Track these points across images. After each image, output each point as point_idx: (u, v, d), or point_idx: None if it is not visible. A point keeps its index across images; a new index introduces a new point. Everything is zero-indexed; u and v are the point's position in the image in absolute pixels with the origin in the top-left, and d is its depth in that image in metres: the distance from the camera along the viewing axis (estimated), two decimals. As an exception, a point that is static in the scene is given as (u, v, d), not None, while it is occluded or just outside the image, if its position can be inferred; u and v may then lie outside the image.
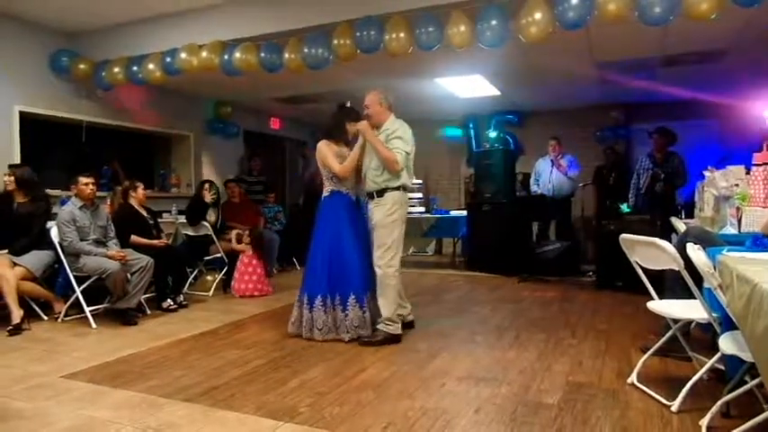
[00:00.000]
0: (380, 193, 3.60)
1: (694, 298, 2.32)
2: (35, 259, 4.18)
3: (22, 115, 5.15)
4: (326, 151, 3.72)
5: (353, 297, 3.60)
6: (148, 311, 4.48)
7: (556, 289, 5.58)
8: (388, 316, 3.55)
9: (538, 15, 3.80)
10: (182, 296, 4.83)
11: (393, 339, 3.54)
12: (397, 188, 3.59)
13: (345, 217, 3.70)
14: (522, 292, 5.43)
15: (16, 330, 3.85)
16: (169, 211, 6.22)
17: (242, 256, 5.45)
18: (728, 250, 2.32)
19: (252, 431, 2.25)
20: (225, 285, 5.59)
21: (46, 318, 4.26)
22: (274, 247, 6.26)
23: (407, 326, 3.84)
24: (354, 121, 3.74)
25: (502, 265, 6.38)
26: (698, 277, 2.25)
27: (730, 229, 3.13)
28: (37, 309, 4.24)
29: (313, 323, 3.61)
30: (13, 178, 4.33)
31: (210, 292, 5.40)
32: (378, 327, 3.57)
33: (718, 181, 3.33)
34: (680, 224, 3.95)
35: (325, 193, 3.80)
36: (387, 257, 3.56)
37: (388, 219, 3.56)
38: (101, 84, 5.40)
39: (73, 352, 3.45)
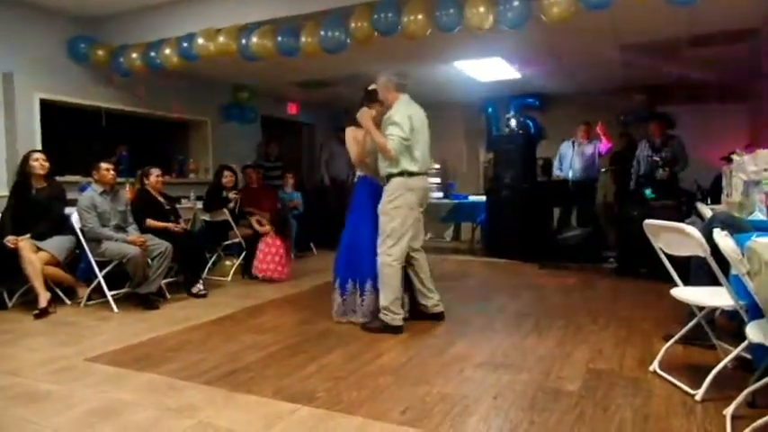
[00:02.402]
0: (388, 179, 3.54)
1: (720, 285, 2.26)
2: (57, 244, 4.24)
3: (43, 102, 5.20)
4: (348, 138, 3.79)
5: (371, 282, 3.60)
6: (168, 296, 4.54)
7: (576, 276, 5.51)
8: (386, 305, 3.46)
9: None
10: (201, 282, 4.88)
11: (391, 330, 3.41)
12: (400, 174, 3.48)
13: (364, 202, 3.71)
14: (542, 279, 5.38)
15: (43, 313, 3.93)
16: (187, 197, 6.27)
17: (264, 238, 5.49)
18: (758, 236, 2.25)
19: (271, 414, 2.27)
20: (243, 270, 5.63)
21: (69, 302, 4.34)
22: (291, 231, 6.31)
23: (434, 317, 3.71)
24: (369, 104, 3.67)
25: (522, 251, 6.30)
26: (724, 264, 2.19)
27: (759, 215, 3.03)
28: (61, 294, 4.32)
29: (349, 305, 3.68)
30: (48, 164, 4.35)
31: (229, 277, 5.44)
32: (378, 315, 3.52)
33: (747, 165, 3.23)
34: (706, 210, 3.85)
35: (356, 179, 3.87)
36: (385, 246, 3.49)
37: (388, 205, 3.49)
38: (119, 69, 5.42)
39: (96, 336, 3.51)
